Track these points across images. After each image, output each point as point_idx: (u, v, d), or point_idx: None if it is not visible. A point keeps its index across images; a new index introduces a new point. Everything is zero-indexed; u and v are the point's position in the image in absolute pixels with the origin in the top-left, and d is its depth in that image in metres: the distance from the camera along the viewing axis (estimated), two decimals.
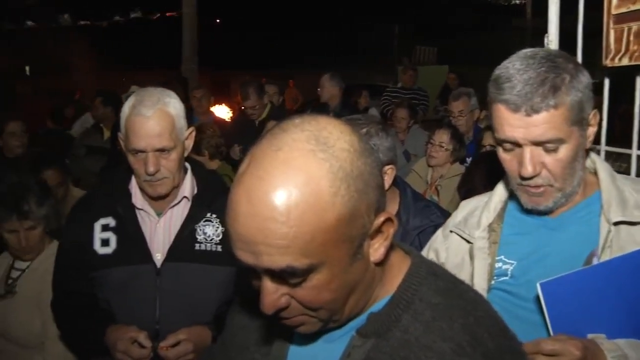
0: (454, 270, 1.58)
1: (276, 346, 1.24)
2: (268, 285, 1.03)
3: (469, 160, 4.72)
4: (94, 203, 2.37)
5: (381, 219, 1.06)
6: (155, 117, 2.11)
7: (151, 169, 2.13)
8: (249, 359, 1.28)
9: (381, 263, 1.11)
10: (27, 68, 21.54)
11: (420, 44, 18.80)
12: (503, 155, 1.64)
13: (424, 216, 2.49)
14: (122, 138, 2.22)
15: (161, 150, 2.14)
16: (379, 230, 1.07)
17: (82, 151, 5.77)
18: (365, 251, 1.07)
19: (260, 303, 1.05)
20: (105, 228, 2.29)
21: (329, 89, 6.35)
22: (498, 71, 1.61)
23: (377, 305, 1.15)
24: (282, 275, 1.01)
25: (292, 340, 1.23)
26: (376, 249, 1.09)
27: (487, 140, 4.10)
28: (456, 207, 2.03)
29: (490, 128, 4.10)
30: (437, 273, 1.19)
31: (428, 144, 4.59)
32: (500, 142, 1.63)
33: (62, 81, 17.27)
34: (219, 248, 2.29)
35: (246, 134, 5.25)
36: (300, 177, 0.96)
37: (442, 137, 4.48)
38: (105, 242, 2.28)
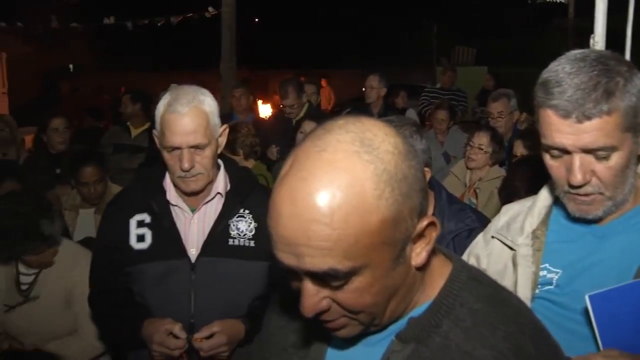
0: (496, 277, 1.53)
1: (314, 348, 1.22)
2: (309, 287, 1.02)
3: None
4: (130, 199, 2.40)
5: (424, 222, 1.03)
6: (190, 114, 2.13)
7: (186, 165, 2.15)
8: None
9: (422, 267, 1.09)
10: (71, 66, 22.03)
11: (460, 44, 18.60)
12: (550, 162, 1.57)
13: (458, 220, 2.46)
14: (157, 135, 2.25)
15: (195, 147, 2.16)
16: (421, 235, 1.04)
17: (109, 149, 5.85)
18: (408, 255, 1.05)
19: (300, 305, 1.03)
20: (140, 224, 2.32)
21: (378, 90, 6.29)
22: (546, 74, 1.52)
23: (417, 310, 1.12)
24: (324, 278, 0.99)
25: (330, 342, 1.21)
26: (418, 253, 1.06)
27: (518, 149, 3.97)
28: (495, 210, 1.97)
29: (521, 137, 4.04)
30: (478, 279, 1.16)
31: (467, 146, 4.51)
32: (547, 149, 1.55)
33: (104, 80, 17.62)
34: (252, 243, 2.31)
35: (284, 133, 5.25)
36: (345, 179, 0.95)
37: (482, 139, 4.40)
38: (140, 238, 2.31)
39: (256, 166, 4.54)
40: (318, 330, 1.16)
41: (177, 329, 2.16)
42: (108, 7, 12.50)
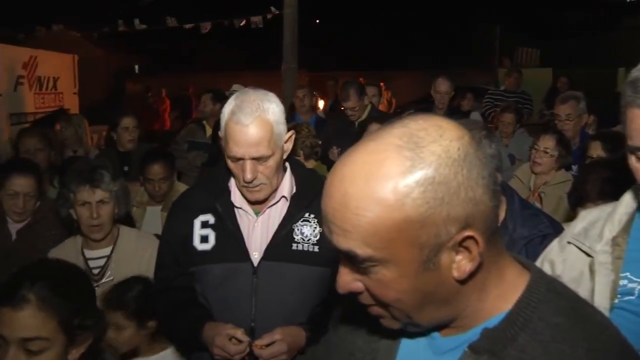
0: (571, 284, 1.47)
1: (382, 355, 1.21)
2: (342, 265, 1.07)
3: (574, 167, 4.48)
4: (195, 200, 2.40)
5: (462, 234, 0.99)
6: (253, 126, 2.10)
7: (248, 177, 2.14)
8: None
9: (464, 281, 1.04)
10: (137, 67, 22.65)
11: (523, 45, 18.18)
12: (636, 164, 1.50)
13: (532, 225, 2.38)
14: (221, 138, 2.24)
15: (258, 158, 2.14)
16: (464, 246, 1.00)
17: (185, 146, 5.96)
18: (443, 263, 1.01)
19: (336, 282, 1.08)
20: (204, 225, 2.33)
21: (448, 93, 6.20)
22: (637, 73, 1.46)
23: (492, 321, 1.08)
24: (348, 259, 1.03)
25: (399, 349, 1.19)
26: (460, 265, 1.02)
27: (595, 151, 3.85)
28: (563, 215, 1.90)
29: (598, 138, 3.90)
30: (558, 291, 1.11)
31: (532, 150, 4.40)
32: (633, 150, 1.49)
33: (169, 81, 18.02)
34: (316, 249, 2.27)
35: (345, 135, 5.24)
36: (377, 169, 0.97)
37: (548, 142, 4.28)
38: (204, 239, 2.31)
39: (317, 167, 4.54)
40: (386, 337, 1.16)
41: (239, 334, 2.16)
42: (172, 10, 12.78)
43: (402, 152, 0.97)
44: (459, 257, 1.02)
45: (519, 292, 1.09)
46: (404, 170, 0.96)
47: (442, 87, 6.18)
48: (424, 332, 1.13)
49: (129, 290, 2.59)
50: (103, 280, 2.88)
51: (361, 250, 0.99)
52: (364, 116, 5.69)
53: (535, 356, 1.02)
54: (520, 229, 2.36)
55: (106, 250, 2.94)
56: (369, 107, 5.87)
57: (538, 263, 1.85)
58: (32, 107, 10.75)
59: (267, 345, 2.16)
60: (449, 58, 20.37)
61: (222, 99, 6.02)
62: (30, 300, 1.60)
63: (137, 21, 12.11)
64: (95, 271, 2.91)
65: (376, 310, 1.09)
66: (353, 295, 1.08)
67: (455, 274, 1.02)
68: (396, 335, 1.14)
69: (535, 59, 17.59)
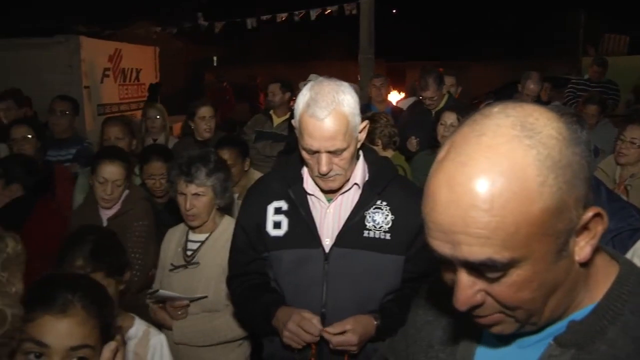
0: None
1: (462, 346, 1.18)
2: (464, 279, 0.98)
3: None
4: (269, 186, 2.44)
5: (589, 213, 0.96)
6: (329, 120, 2.09)
7: (324, 169, 2.14)
8: (433, 357, 1.24)
9: (585, 264, 1.00)
10: (215, 58, 23.14)
11: (610, 32, 17.33)
12: None
13: (620, 218, 2.29)
14: (296, 129, 2.25)
15: (334, 152, 2.14)
16: (585, 227, 0.97)
17: (252, 136, 6.04)
18: (571, 249, 0.97)
19: (454, 298, 0.99)
20: (277, 211, 2.36)
21: (536, 85, 6.07)
22: None
23: (579, 313, 1.04)
24: (480, 269, 0.95)
25: (481, 341, 1.16)
26: (582, 248, 0.98)
27: None
28: None
29: None
30: None
31: (617, 141, 4.22)
32: None
33: (244, 72, 18.33)
34: (388, 236, 2.26)
35: (422, 125, 5.17)
36: (505, 164, 0.91)
37: (634, 133, 4.13)
38: (277, 225, 2.34)
39: (395, 156, 4.51)
40: (468, 328, 1.12)
41: (315, 321, 2.18)
42: (248, 2, 12.97)
43: (522, 141, 0.92)
44: (580, 239, 0.98)
45: (607, 284, 1.04)
46: (532, 160, 0.91)
47: (533, 81, 6.05)
48: None
49: (100, 245, 2.38)
50: (192, 262, 2.99)
51: (500, 256, 0.92)
52: (441, 105, 5.60)
53: (628, 352, 0.97)
54: (609, 221, 2.25)
55: (203, 236, 3.05)
56: (446, 97, 5.78)
57: (628, 257, 1.76)
58: (117, 98, 11.20)
59: (337, 334, 2.17)
60: (527, 47, 19.73)
61: (292, 89, 6.10)
62: (76, 306, 1.52)
63: (215, 15, 12.37)
64: (189, 253, 3.03)
65: (495, 317, 1.02)
66: (470, 309, 1.00)
67: (580, 256, 0.99)
68: (477, 329, 1.09)
69: (624, 46, 16.74)
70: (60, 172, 4.68)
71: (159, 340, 2.38)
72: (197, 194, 2.94)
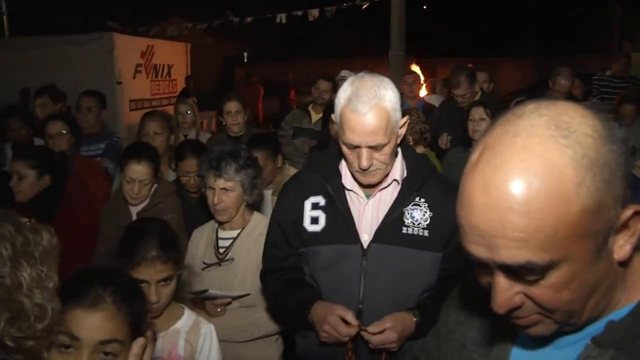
0: None
1: (497, 348, 1.16)
2: (502, 282, 0.96)
3: None
4: (306, 181, 2.43)
5: (628, 212, 0.94)
6: (370, 115, 2.08)
7: (364, 164, 2.13)
8: (466, 358, 1.22)
9: (624, 264, 0.98)
10: (245, 55, 23.29)
11: None
12: None
13: None
14: (336, 123, 2.24)
15: (375, 147, 2.13)
16: (624, 226, 0.95)
17: (290, 132, 6.03)
18: (610, 248, 0.95)
19: (492, 301, 0.98)
20: (315, 206, 2.35)
21: (567, 81, 5.97)
22: None
23: (617, 313, 1.02)
24: (519, 272, 0.93)
25: (516, 341, 1.13)
26: (621, 246, 0.96)
27: None
28: None
29: None
30: None
31: None
32: None
33: (275, 68, 18.41)
34: (426, 233, 2.25)
35: (455, 121, 5.12)
36: (542, 165, 0.89)
37: None
38: (314, 220, 2.33)
39: (425, 153, 4.47)
40: (502, 328, 1.10)
41: (349, 316, 2.17)
42: None
43: (558, 141, 0.90)
44: (619, 237, 0.96)
45: None
46: (569, 159, 0.89)
47: (566, 78, 5.96)
48: None
49: (165, 237, 2.41)
50: (226, 259, 3.00)
51: (539, 258, 0.90)
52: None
53: None
54: None
55: (234, 233, 3.05)
56: (479, 93, 5.71)
57: None
58: (149, 93, 11.33)
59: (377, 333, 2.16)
60: (562, 43, 19.41)
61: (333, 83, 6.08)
62: (106, 301, 1.54)
63: (246, 11, 12.43)
64: (221, 250, 3.04)
65: (533, 319, 1.00)
66: (508, 312, 0.98)
67: (620, 255, 0.97)
68: (512, 328, 1.07)
69: None
70: (92, 166, 4.73)
71: (209, 329, 2.42)
72: (225, 189, 2.94)
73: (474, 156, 0.97)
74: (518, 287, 0.96)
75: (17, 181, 3.69)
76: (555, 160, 0.89)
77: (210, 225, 3.15)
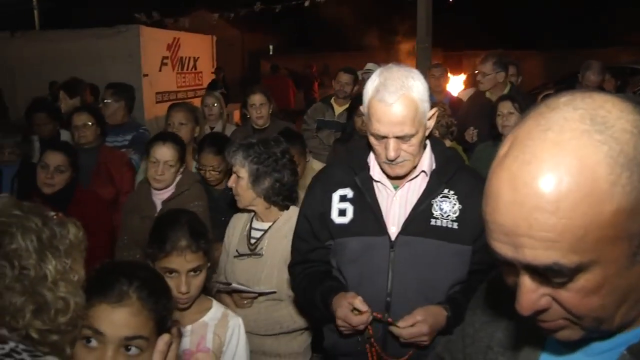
0: None
1: (525, 352, 1.11)
2: (527, 283, 0.91)
3: None
4: (333, 174, 2.42)
5: None
6: (398, 105, 2.07)
7: (392, 154, 2.11)
8: (491, 359, 1.18)
9: None
10: (271, 47, 23.31)
11: None
12: None
13: None
14: (363, 115, 2.23)
15: (402, 137, 2.10)
16: None
17: (314, 126, 6.01)
18: None
19: (517, 302, 0.93)
20: (343, 199, 2.33)
21: (597, 76, 5.84)
22: None
23: None
24: (545, 273, 0.88)
25: (545, 347, 1.09)
26: None
27: None
28: None
29: None
30: None
31: None
32: None
33: (301, 60, 18.38)
34: (455, 225, 2.22)
35: (483, 116, 5.05)
36: (574, 162, 0.83)
37: None
38: (342, 212, 2.32)
39: (452, 147, 4.42)
40: (530, 332, 1.05)
41: (357, 302, 2.15)
42: None
43: (592, 136, 0.84)
44: None
45: None
46: (603, 156, 0.83)
47: (592, 74, 5.84)
48: None
49: (195, 227, 2.42)
50: (255, 252, 3.00)
51: (567, 260, 0.85)
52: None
53: None
54: None
55: (266, 225, 3.05)
56: (509, 86, 5.61)
57: None
58: (175, 85, 11.40)
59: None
60: (592, 37, 19.06)
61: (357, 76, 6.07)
62: (131, 297, 1.53)
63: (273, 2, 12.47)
64: (252, 241, 3.04)
65: (559, 323, 0.95)
66: (534, 314, 0.93)
67: None
68: (541, 331, 1.02)
69: None
70: (117, 157, 4.77)
71: (237, 322, 2.43)
72: (237, 175, 2.96)
73: (503, 150, 0.92)
74: (544, 290, 0.91)
75: (55, 174, 3.75)
76: (589, 157, 0.83)
77: (247, 214, 3.16)
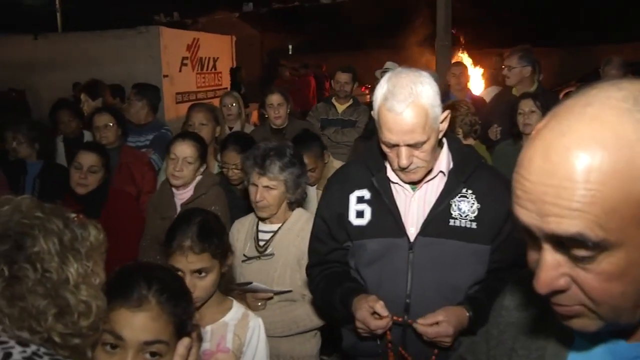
0: None
1: (550, 352, 1.09)
2: (548, 257, 0.89)
3: None
4: (351, 175, 2.41)
5: None
6: (407, 113, 2.03)
7: (404, 163, 2.09)
8: None
9: None
10: (290, 47, 23.33)
11: None
12: None
13: None
14: (375, 120, 2.20)
15: (414, 145, 2.08)
16: None
17: (317, 124, 6.06)
18: None
19: (535, 279, 0.91)
20: (360, 200, 2.32)
21: (618, 71, 5.74)
22: None
23: None
24: (568, 246, 0.86)
25: (570, 352, 1.06)
26: None
27: None
28: None
29: None
30: None
31: None
32: None
33: (319, 60, 18.35)
34: (474, 225, 2.20)
35: (507, 113, 4.98)
36: (610, 137, 0.82)
37: None
38: (360, 214, 2.31)
39: (475, 145, 4.37)
40: (556, 335, 1.03)
41: (378, 306, 2.13)
42: None
43: (634, 115, 0.82)
44: None
45: None
46: None
47: (612, 69, 5.74)
48: (603, 334, 0.99)
49: (205, 228, 2.35)
50: (266, 253, 2.98)
51: (593, 233, 0.83)
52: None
53: None
54: None
55: (275, 227, 3.03)
56: (535, 85, 5.52)
57: None
58: (195, 86, 11.45)
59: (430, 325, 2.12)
60: (615, 32, 18.79)
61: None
62: (150, 301, 1.53)
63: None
64: (261, 243, 3.02)
65: (576, 309, 0.93)
66: (551, 294, 0.91)
67: None
68: (568, 333, 1.01)
69: None
70: (138, 157, 4.80)
71: (257, 323, 2.42)
72: (268, 187, 2.91)
73: (541, 123, 0.91)
74: (565, 268, 0.89)
75: (88, 174, 3.77)
76: (628, 135, 0.82)
77: (251, 217, 3.14)
